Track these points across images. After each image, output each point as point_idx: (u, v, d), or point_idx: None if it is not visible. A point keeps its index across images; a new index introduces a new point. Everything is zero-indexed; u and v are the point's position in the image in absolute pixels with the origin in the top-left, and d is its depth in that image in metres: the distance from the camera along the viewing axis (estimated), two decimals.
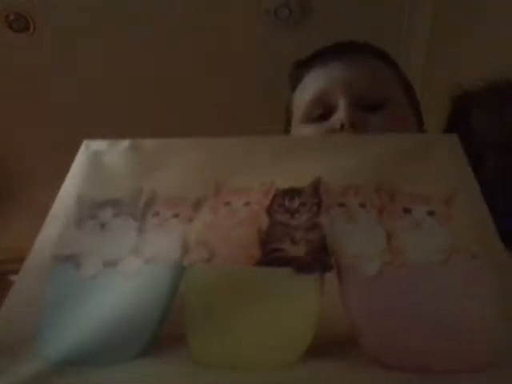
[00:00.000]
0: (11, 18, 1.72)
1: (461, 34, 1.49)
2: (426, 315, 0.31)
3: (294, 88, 0.71)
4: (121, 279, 0.35)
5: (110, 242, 0.37)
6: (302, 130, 0.65)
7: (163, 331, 0.32)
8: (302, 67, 0.70)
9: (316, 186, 0.38)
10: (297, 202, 0.37)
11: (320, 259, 0.34)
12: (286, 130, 0.72)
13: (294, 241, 0.35)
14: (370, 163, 0.40)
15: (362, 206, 0.37)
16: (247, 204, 0.38)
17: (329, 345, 0.31)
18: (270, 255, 0.35)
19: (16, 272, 0.37)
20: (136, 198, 0.40)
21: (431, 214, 0.36)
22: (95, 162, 0.43)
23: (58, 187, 0.42)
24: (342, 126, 0.57)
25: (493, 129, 0.42)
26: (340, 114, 0.59)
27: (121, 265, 0.35)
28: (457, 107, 0.48)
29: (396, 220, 0.36)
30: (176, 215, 0.38)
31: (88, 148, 0.45)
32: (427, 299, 0.32)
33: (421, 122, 0.67)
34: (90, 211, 0.39)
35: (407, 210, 0.36)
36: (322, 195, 0.38)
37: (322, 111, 0.63)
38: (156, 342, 0.32)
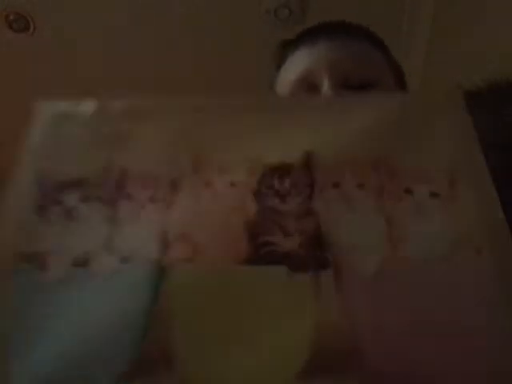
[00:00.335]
0: (11, 17, 1.73)
1: (461, 34, 1.48)
2: (428, 323, 0.29)
3: (278, 68, 0.68)
4: (94, 282, 0.30)
5: (78, 234, 0.32)
6: None
7: (145, 346, 0.29)
8: (287, 47, 0.67)
9: (308, 162, 0.34)
10: (287, 183, 0.33)
11: (315, 255, 0.31)
12: None
13: (286, 232, 0.32)
14: (366, 132, 0.35)
15: (360, 186, 0.33)
16: (232, 185, 0.33)
17: (327, 359, 0.28)
18: (260, 250, 0.31)
19: None
20: (105, 176, 0.34)
21: (434, 195, 0.32)
22: (55, 130, 0.36)
23: None
24: None
25: (493, 129, 0.42)
26: (326, 94, 0.56)
27: (93, 264, 0.31)
28: None
29: (396, 203, 0.32)
30: (152, 199, 0.33)
31: (45, 111, 0.37)
32: (429, 303, 0.30)
33: None
34: (52, 195, 0.33)
35: (408, 191, 0.33)
36: (314, 173, 0.34)
37: (306, 92, 0.60)
38: (140, 361, 0.28)
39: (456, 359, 0.28)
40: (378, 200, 0.33)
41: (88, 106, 0.37)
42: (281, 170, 0.34)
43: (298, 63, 0.63)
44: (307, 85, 0.60)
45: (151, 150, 0.35)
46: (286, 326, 0.29)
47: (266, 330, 0.29)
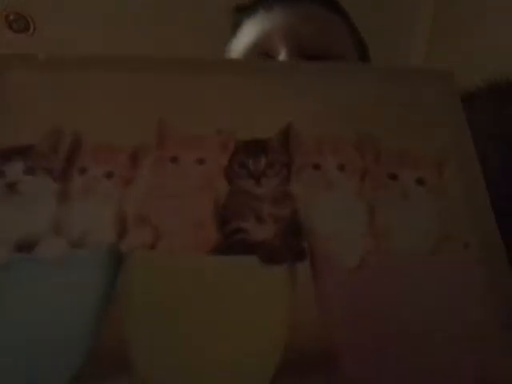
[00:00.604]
0: (11, 18, 1.73)
1: (461, 34, 1.48)
2: (410, 325, 0.27)
3: (233, 34, 0.62)
4: (41, 270, 0.27)
5: (22, 212, 0.28)
6: None
7: (99, 346, 0.25)
8: (243, 12, 0.62)
9: (285, 138, 0.31)
10: (263, 162, 0.30)
11: (291, 244, 0.28)
12: None
13: (259, 218, 0.29)
14: (349, 107, 0.32)
15: (341, 168, 0.30)
16: (200, 162, 0.30)
17: (301, 360, 0.26)
18: (231, 238, 0.28)
19: None
20: (55, 144, 0.29)
21: (420, 182, 0.30)
22: None
23: None
24: None
25: (493, 129, 0.42)
26: None
27: (39, 248, 0.27)
28: None
29: (380, 189, 0.30)
30: (109, 174, 0.29)
31: None
32: (413, 301, 0.27)
33: None
34: None
35: (393, 177, 0.30)
36: (292, 151, 0.31)
37: None
38: (92, 362, 0.25)
39: (442, 362, 0.26)
40: (360, 185, 0.30)
41: (36, 59, 0.32)
42: (255, 147, 0.30)
43: (253, 28, 0.58)
44: (262, 52, 0.55)
45: (109, 115, 0.31)
46: (257, 323, 0.27)
47: (234, 327, 0.26)
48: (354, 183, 0.30)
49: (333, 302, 0.27)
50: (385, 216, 0.29)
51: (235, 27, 0.62)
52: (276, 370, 0.25)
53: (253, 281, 0.27)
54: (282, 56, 0.52)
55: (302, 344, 0.26)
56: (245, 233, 0.28)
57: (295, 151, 0.31)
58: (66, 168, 0.29)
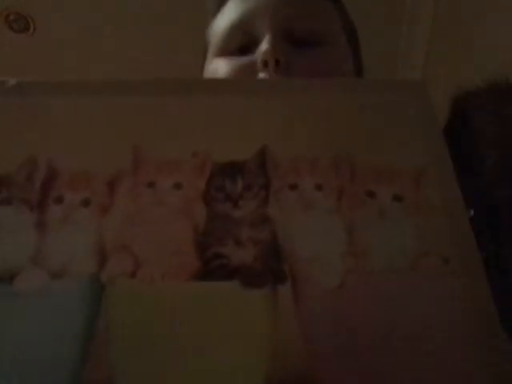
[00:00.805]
0: (11, 18, 1.73)
1: (461, 34, 1.47)
2: (395, 344, 0.27)
3: (215, 11, 0.57)
4: (20, 303, 0.26)
5: (0, 243, 0.28)
6: (216, 64, 0.52)
7: (84, 379, 0.25)
8: None
9: (261, 160, 0.31)
10: (240, 185, 0.30)
11: (271, 267, 0.28)
12: (203, 66, 0.58)
13: (238, 242, 0.29)
14: (324, 126, 0.32)
15: (318, 187, 0.30)
16: (178, 186, 0.30)
17: None
18: (210, 264, 0.28)
19: None
20: (30, 173, 0.29)
21: (398, 199, 0.30)
22: None
23: None
24: (265, 63, 0.46)
25: (493, 129, 0.41)
26: (263, 48, 0.47)
27: (19, 280, 0.26)
28: (457, 107, 0.47)
29: (358, 207, 0.30)
30: (86, 202, 0.29)
31: None
32: (394, 319, 0.27)
33: (360, 69, 0.58)
34: None
35: (371, 194, 0.30)
36: (269, 173, 0.30)
37: (241, 42, 0.50)
38: None
39: (425, 377, 0.26)
40: (337, 204, 0.30)
41: (7, 85, 0.32)
42: (231, 169, 0.30)
43: (237, 5, 0.53)
44: (245, 32, 0.51)
45: (82, 142, 0.31)
46: (239, 349, 0.27)
47: (216, 354, 0.26)
48: (331, 202, 0.30)
49: (315, 324, 0.27)
50: (363, 234, 0.29)
51: (217, 7, 0.57)
52: None
53: (234, 306, 0.27)
54: (266, 38, 0.48)
55: (285, 371, 0.26)
56: (224, 258, 0.28)
57: (272, 173, 0.30)
58: (42, 197, 0.29)
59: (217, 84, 0.37)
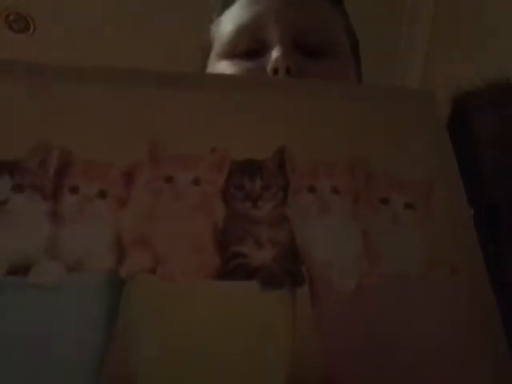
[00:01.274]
0: (11, 18, 1.72)
1: (461, 34, 1.48)
2: (405, 351, 0.27)
3: (221, 10, 0.55)
4: (37, 296, 0.25)
5: (13, 232, 0.26)
6: (222, 66, 0.50)
7: (104, 372, 0.24)
8: None
9: (280, 160, 0.31)
10: (259, 184, 0.30)
11: (290, 269, 0.28)
12: (203, 67, 0.56)
13: (258, 242, 0.29)
14: (339, 129, 0.32)
15: (335, 191, 0.30)
16: (196, 182, 0.29)
17: None
18: (230, 263, 0.28)
19: None
20: (43, 159, 0.28)
21: (410, 207, 0.31)
22: None
23: None
24: (276, 70, 0.45)
25: (493, 129, 0.41)
26: (274, 55, 0.46)
27: (34, 272, 0.25)
28: (457, 107, 0.47)
29: (373, 213, 0.30)
30: (102, 193, 0.28)
31: None
32: (405, 326, 0.28)
33: (360, 77, 0.58)
34: None
35: (384, 201, 0.31)
36: (288, 173, 0.30)
37: (249, 46, 0.49)
38: None
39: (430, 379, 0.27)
40: (353, 209, 0.30)
41: (18, 68, 0.31)
42: (250, 168, 0.30)
43: (245, 6, 0.52)
44: (252, 39, 0.49)
45: (98, 129, 0.30)
46: (257, 349, 0.27)
47: (235, 352, 0.26)
48: (347, 207, 0.30)
49: (330, 326, 0.27)
50: (377, 239, 0.30)
51: (224, 5, 0.55)
52: None
53: (253, 306, 0.27)
54: (273, 44, 0.48)
55: (303, 371, 0.26)
56: (244, 257, 0.28)
57: (291, 174, 0.30)
58: (56, 186, 0.28)
59: (237, 81, 0.37)
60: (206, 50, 0.56)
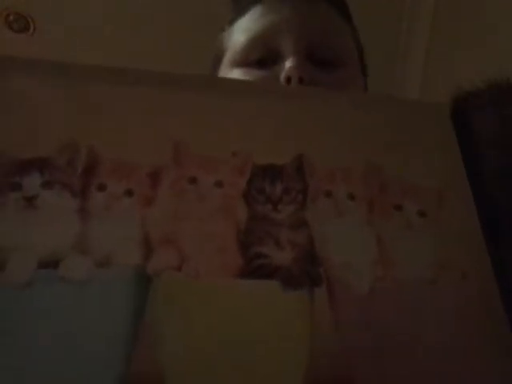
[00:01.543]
0: (11, 18, 1.72)
1: (461, 34, 1.48)
2: (415, 347, 0.28)
3: (233, 19, 0.56)
4: (66, 290, 0.26)
5: (42, 228, 0.27)
6: (234, 74, 0.52)
7: (132, 369, 0.25)
8: None
9: (299, 165, 0.32)
10: (279, 188, 0.31)
11: (308, 270, 0.29)
12: (214, 70, 0.58)
13: (278, 244, 0.30)
14: (356, 137, 0.34)
15: (351, 197, 0.31)
16: (219, 184, 0.30)
17: None
18: (253, 263, 0.29)
19: None
20: (71, 158, 0.29)
21: (422, 214, 0.32)
22: (6, 93, 0.30)
23: None
24: (288, 79, 0.47)
25: (493, 129, 0.42)
26: (288, 64, 0.48)
27: (64, 266, 0.26)
28: (456, 108, 0.47)
29: (387, 219, 0.32)
30: (129, 192, 0.29)
31: None
32: (417, 330, 0.29)
33: (366, 86, 0.60)
34: (9, 176, 0.27)
35: (398, 207, 0.32)
36: (306, 178, 0.32)
37: (261, 55, 0.51)
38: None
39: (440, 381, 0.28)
40: (368, 215, 0.32)
41: (44, 67, 0.31)
42: (271, 172, 0.31)
43: (259, 16, 0.53)
44: (265, 49, 0.51)
45: (124, 131, 0.30)
46: (277, 348, 0.27)
47: (256, 350, 0.27)
48: (362, 212, 0.32)
49: (348, 327, 0.29)
50: (391, 245, 0.31)
51: (236, 14, 0.57)
52: None
53: (274, 305, 0.28)
54: (286, 53, 0.49)
55: (321, 370, 0.27)
56: (265, 258, 0.29)
57: (309, 178, 0.32)
58: (84, 184, 0.29)
59: (259, 87, 0.38)
60: (216, 57, 0.57)
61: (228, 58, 0.54)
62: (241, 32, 0.54)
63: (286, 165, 0.32)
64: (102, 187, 0.29)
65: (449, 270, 0.31)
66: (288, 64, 0.48)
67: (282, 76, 0.47)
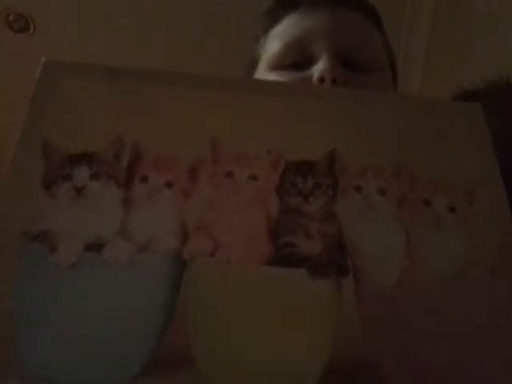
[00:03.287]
0: (11, 18, 1.72)
1: (461, 34, 1.45)
2: (442, 340, 0.29)
3: (268, 28, 0.59)
4: (109, 272, 0.28)
5: (89, 215, 0.30)
6: (269, 76, 0.55)
7: (164, 343, 0.28)
8: (284, 6, 0.59)
9: (330, 162, 0.33)
10: (310, 182, 0.32)
11: (336, 260, 0.31)
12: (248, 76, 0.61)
13: (308, 234, 0.31)
14: (388, 136, 0.35)
15: (381, 193, 0.33)
16: (253, 178, 0.32)
17: (345, 372, 0.28)
18: (282, 251, 0.31)
19: None
20: (117, 152, 0.32)
21: (452, 210, 0.33)
22: (61, 93, 0.33)
23: None
24: (322, 79, 0.49)
25: (493, 129, 0.42)
26: (322, 66, 0.50)
27: (107, 250, 0.29)
28: None
29: (416, 214, 0.32)
30: (169, 184, 0.31)
31: (50, 71, 0.34)
32: (442, 323, 0.30)
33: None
34: (60, 169, 0.30)
35: (427, 203, 0.33)
36: (337, 174, 0.33)
37: (296, 59, 0.53)
38: (157, 358, 0.28)
39: (468, 379, 0.29)
40: (398, 210, 0.33)
41: (97, 71, 0.34)
42: (303, 167, 0.33)
43: (294, 22, 0.56)
44: (299, 53, 0.53)
45: (166, 128, 0.33)
46: (304, 333, 0.29)
47: (284, 334, 0.29)
48: (392, 207, 0.33)
49: (373, 315, 0.30)
50: (419, 239, 0.32)
51: (272, 21, 0.60)
52: (321, 378, 0.28)
53: (301, 293, 0.30)
54: (320, 57, 0.52)
55: (346, 356, 0.29)
56: (294, 247, 0.31)
57: (340, 174, 0.33)
58: (128, 176, 0.31)
59: (293, 88, 0.40)
60: (251, 64, 0.61)
61: (263, 63, 0.57)
62: (276, 38, 0.57)
63: (317, 161, 0.33)
64: (144, 179, 0.31)
65: (477, 265, 0.31)
66: (321, 65, 0.50)
67: (316, 76, 0.50)
